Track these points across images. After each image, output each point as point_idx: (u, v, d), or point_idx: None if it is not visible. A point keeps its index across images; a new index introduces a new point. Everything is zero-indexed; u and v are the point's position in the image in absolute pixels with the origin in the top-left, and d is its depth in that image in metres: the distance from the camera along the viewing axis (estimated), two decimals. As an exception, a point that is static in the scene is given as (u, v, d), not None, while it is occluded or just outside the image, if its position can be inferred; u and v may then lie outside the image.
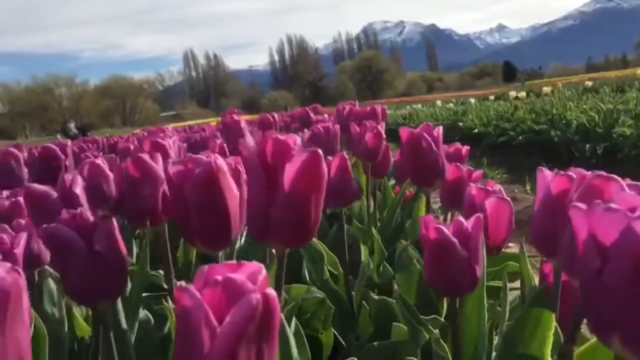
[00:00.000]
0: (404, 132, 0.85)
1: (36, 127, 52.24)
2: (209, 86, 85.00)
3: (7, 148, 1.25)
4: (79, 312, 0.80)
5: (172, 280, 0.69)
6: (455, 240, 0.53)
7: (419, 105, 13.20)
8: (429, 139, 0.83)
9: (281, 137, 0.44)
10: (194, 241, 0.50)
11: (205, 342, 0.29)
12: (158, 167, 0.64)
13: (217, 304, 0.30)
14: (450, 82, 75.11)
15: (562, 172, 0.47)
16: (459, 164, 0.93)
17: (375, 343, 0.79)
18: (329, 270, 0.93)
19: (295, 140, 0.45)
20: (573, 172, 0.47)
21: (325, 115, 2.12)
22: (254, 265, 0.33)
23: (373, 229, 1.07)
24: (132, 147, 1.38)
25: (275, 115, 2.07)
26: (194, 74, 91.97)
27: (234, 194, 0.50)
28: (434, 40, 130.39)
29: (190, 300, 0.29)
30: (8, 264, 0.29)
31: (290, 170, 0.44)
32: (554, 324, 0.52)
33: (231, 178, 0.49)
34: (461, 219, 0.54)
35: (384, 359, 0.74)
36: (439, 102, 12.94)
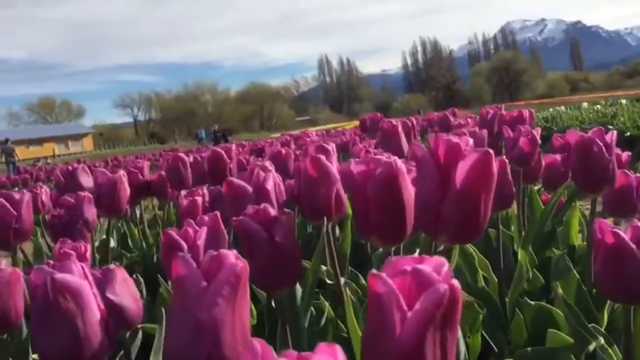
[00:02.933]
0: (572, 136, 0.83)
1: (184, 132, 56.47)
2: (342, 91, 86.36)
3: (176, 153, 1.39)
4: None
5: (338, 277, 0.74)
6: (633, 245, 0.51)
7: (562, 107, 12.39)
8: (601, 144, 0.80)
9: (453, 138, 0.47)
10: (371, 236, 0.54)
11: (397, 325, 0.32)
12: (333, 167, 0.69)
13: (406, 292, 0.33)
14: (596, 82, 69.60)
15: None
16: (625, 170, 0.89)
17: (529, 348, 0.78)
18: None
19: (468, 141, 0.47)
20: None
21: (469, 120, 2.09)
22: (437, 258, 0.35)
23: (527, 235, 1.04)
24: (283, 151, 1.45)
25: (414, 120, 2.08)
26: (327, 79, 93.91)
27: (410, 193, 0.53)
28: (579, 38, 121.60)
29: (383, 287, 0.32)
30: (234, 251, 0.34)
31: (462, 169, 0.46)
32: None
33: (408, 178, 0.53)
34: (639, 223, 0.52)
35: (539, 365, 0.73)
36: (584, 104, 12.08)
